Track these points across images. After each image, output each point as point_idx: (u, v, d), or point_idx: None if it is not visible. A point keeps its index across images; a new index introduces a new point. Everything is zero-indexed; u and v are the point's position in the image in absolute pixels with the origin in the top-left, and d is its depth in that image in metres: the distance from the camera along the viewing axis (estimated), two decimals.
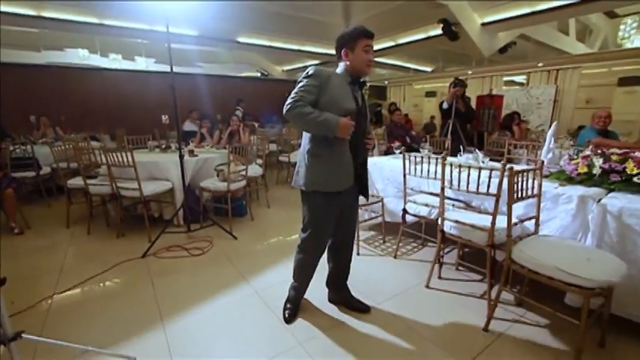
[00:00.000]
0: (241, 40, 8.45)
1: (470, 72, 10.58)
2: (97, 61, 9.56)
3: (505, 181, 1.68)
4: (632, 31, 9.83)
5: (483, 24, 7.52)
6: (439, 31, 7.27)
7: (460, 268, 2.50)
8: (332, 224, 1.79)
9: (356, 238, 2.78)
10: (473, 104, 8.40)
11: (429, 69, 12.60)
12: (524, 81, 10.01)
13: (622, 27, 9.98)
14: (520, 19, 7.02)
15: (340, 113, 1.55)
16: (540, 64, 8.99)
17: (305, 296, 2.03)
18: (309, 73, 1.60)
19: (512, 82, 10.42)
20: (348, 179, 1.67)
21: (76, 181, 3.43)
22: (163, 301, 2.09)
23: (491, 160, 2.59)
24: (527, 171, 1.73)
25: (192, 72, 9.76)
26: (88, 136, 5.34)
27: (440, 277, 2.36)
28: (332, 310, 2.00)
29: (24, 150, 4.19)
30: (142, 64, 10.40)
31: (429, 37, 8.39)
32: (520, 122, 4.81)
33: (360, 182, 1.81)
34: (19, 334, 1.28)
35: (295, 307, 1.95)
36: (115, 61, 9.78)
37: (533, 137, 6.33)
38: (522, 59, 9.35)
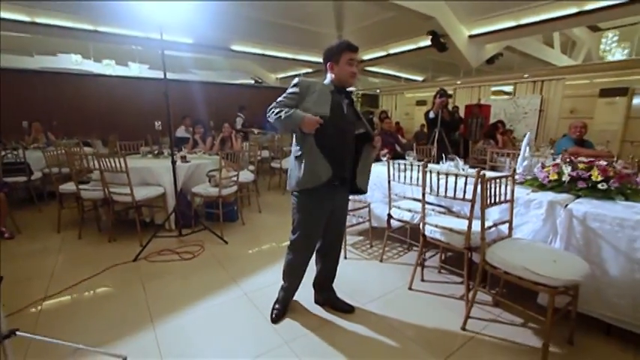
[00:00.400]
0: (236, 48, 8.57)
1: (459, 82, 10.87)
2: (90, 66, 9.57)
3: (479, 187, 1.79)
4: (613, 45, 10.21)
5: (471, 36, 7.77)
6: (429, 42, 7.50)
7: (442, 271, 2.60)
8: (321, 225, 1.87)
9: (344, 243, 2.89)
10: (462, 113, 8.65)
11: (419, 78, 12.88)
12: (512, 91, 10.31)
13: (603, 40, 10.38)
14: (506, 32, 7.27)
15: (325, 126, 1.67)
16: (526, 75, 9.30)
17: (294, 298, 2.10)
18: (292, 83, 1.76)
19: (502, 92, 10.72)
20: (327, 172, 1.71)
21: (68, 186, 3.47)
22: (154, 303, 2.15)
23: (474, 167, 2.72)
24: (500, 178, 1.85)
25: (187, 79, 9.84)
26: (80, 141, 5.35)
27: (423, 280, 2.46)
28: (319, 311, 2.08)
29: (15, 155, 4.21)
30: (135, 70, 10.44)
31: (419, 48, 8.63)
32: (504, 131, 4.99)
33: (349, 181, 1.87)
34: (14, 332, 1.33)
35: (283, 308, 2.02)
36: (108, 67, 9.80)
37: (518, 145, 6.54)
38: (509, 70, 9.65)
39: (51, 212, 4.07)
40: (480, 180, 1.75)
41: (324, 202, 1.80)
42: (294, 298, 2.12)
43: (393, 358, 1.69)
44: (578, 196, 1.97)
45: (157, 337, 1.81)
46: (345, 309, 2.05)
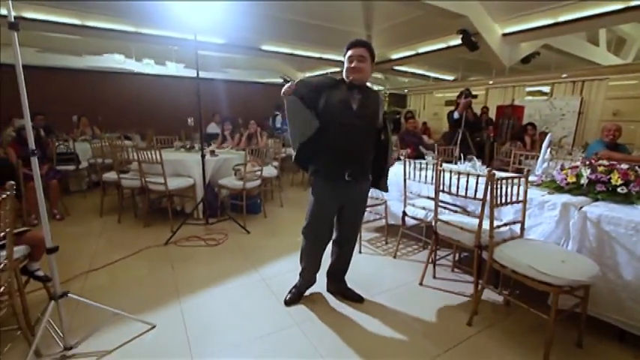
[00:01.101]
0: (265, 47, 8.84)
1: (491, 82, 10.49)
2: (131, 65, 10.26)
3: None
4: None
5: (504, 34, 7.51)
6: (459, 41, 7.34)
7: (455, 270, 2.62)
8: (328, 216, 1.96)
9: (359, 238, 2.98)
10: (492, 114, 8.36)
11: (450, 78, 12.56)
12: (550, 91, 9.81)
13: None
14: (543, 30, 6.95)
15: (331, 122, 1.79)
16: (564, 75, 8.83)
17: (314, 289, 2.23)
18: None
19: (540, 92, 10.21)
20: (339, 165, 1.80)
21: (110, 175, 3.82)
22: (181, 282, 2.36)
23: (500, 169, 2.71)
24: (511, 178, 1.86)
25: (217, 77, 10.27)
26: (121, 135, 5.81)
27: (435, 277, 2.50)
28: (331, 300, 2.19)
29: (66, 146, 4.67)
30: (172, 68, 11.05)
31: (449, 47, 8.45)
32: (534, 134, 4.82)
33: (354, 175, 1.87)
34: (66, 294, 1.56)
35: (298, 293, 2.15)
36: (148, 66, 10.45)
37: (554, 148, 6.25)
38: (546, 69, 9.19)
39: (94, 198, 4.48)
40: (489, 179, 1.78)
41: (333, 194, 1.88)
42: (314, 289, 2.23)
43: (395, 346, 1.77)
44: (597, 200, 1.93)
45: (183, 311, 2.01)
46: (354, 298, 2.15)
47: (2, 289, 1.32)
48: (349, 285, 2.23)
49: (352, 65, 1.78)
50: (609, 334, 1.83)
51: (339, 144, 1.79)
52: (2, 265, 1.32)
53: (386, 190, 2.06)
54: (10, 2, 1.29)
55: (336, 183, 1.85)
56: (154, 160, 3.28)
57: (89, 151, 5.03)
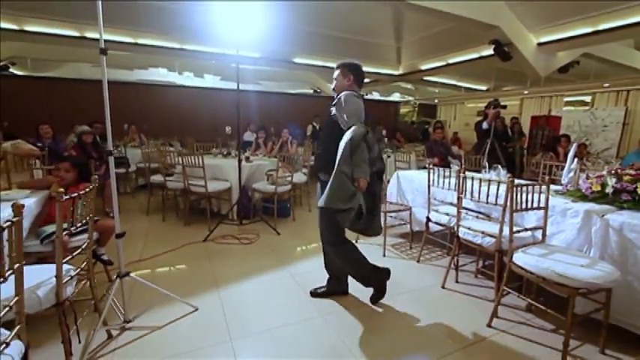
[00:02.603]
0: (297, 60, 9.25)
1: (526, 92, 10.21)
2: (173, 78, 11.10)
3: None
4: None
5: (540, 44, 7.35)
6: (491, 52, 7.28)
7: (479, 276, 2.67)
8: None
9: (383, 243, 3.10)
10: (526, 124, 8.13)
11: (482, 87, 12.33)
12: (590, 101, 9.37)
13: None
14: (582, 39, 6.73)
15: None
16: (606, 85, 8.43)
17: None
18: None
19: (582, 102, 9.76)
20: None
21: (157, 178, 4.22)
22: (218, 274, 2.61)
23: (530, 179, 2.73)
24: (530, 185, 1.93)
25: (252, 89, 10.83)
26: (166, 142, 6.34)
27: (457, 281, 2.57)
28: (357, 295, 2.33)
29: (119, 151, 5.19)
30: (210, 81, 11.81)
31: (481, 57, 8.37)
32: (566, 145, 4.69)
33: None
34: (128, 273, 1.84)
35: (326, 292, 2.32)
36: (188, 79, 11.26)
37: (592, 161, 5.99)
38: (586, 78, 8.82)
39: (140, 199, 4.94)
40: (508, 186, 1.87)
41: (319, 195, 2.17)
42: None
43: (414, 341, 1.88)
44: (622, 208, 1.95)
45: (221, 298, 2.24)
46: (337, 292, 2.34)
47: (84, 264, 1.61)
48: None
49: (332, 88, 2.23)
50: (634, 344, 1.82)
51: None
52: (86, 244, 1.62)
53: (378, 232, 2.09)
54: (102, 32, 1.61)
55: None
56: (196, 164, 3.61)
57: (137, 156, 5.57)
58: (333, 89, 2.20)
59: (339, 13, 6.80)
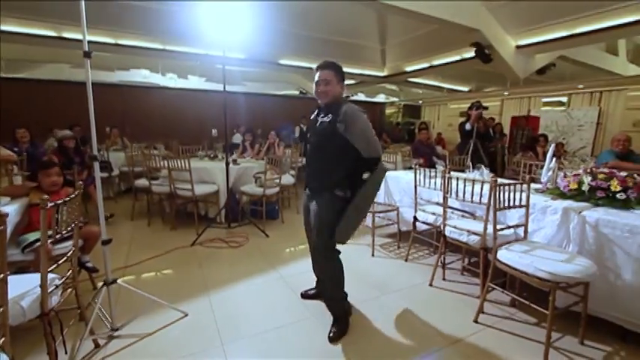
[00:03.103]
0: (283, 62, 9.24)
1: (506, 93, 10.53)
2: (156, 79, 10.88)
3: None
4: None
5: (518, 46, 7.60)
6: (473, 54, 7.48)
7: (464, 273, 2.74)
8: (307, 227, 2.12)
9: (371, 243, 3.14)
10: (507, 125, 8.38)
11: (464, 89, 12.63)
12: (567, 102, 9.75)
13: None
14: (559, 42, 7.00)
15: (307, 131, 2.08)
16: (581, 86, 8.79)
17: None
18: None
19: (559, 103, 10.13)
20: (306, 179, 2.04)
21: (142, 182, 4.14)
22: (208, 278, 2.59)
23: (511, 179, 2.83)
24: (513, 184, 2.01)
25: (238, 90, 10.75)
26: (150, 145, 6.22)
27: (444, 279, 2.63)
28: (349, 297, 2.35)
29: (101, 155, 5.06)
30: (194, 82, 11.65)
31: (463, 59, 8.58)
32: (545, 144, 4.88)
33: (311, 189, 1.99)
34: (115, 281, 1.80)
35: (315, 293, 2.31)
36: (171, 80, 11.07)
37: (568, 159, 6.25)
38: (562, 80, 9.17)
39: (124, 204, 4.83)
40: (492, 185, 1.94)
41: (305, 205, 2.08)
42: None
43: (404, 338, 1.92)
44: (597, 205, 2.05)
45: (211, 302, 2.22)
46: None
47: (70, 272, 1.57)
48: (361, 285, 2.39)
49: (318, 90, 1.88)
50: (612, 334, 1.92)
51: (307, 161, 2.04)
52: (71, 251, 1.58)
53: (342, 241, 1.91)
54: (85, 34, 1.58)
55: (305, 194, 2.06)
56: (183, 167, 3.56)
57: (120, 160, 5.44)
58: (322, 93, 1.86)
59: (324, 15, 6.84)
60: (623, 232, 1.74)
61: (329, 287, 2.04)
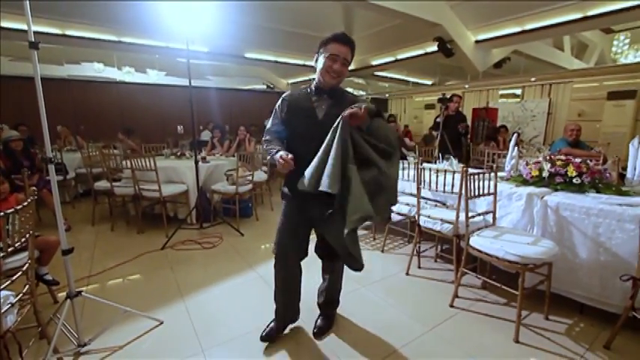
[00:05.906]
0: (249, 55, 9.00)
1: (467, 86, 11.02)
2: (111, 73, 10.16)
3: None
4: (625, 47, 10.20)
5: (477, 41, 7.97)
6: (436, 48, 7.74)
7: (438, 260, 2.85)
8: (295, 236, 1.68)
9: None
10: (469, 116, 8.82)
11: (428, 82, 13.07)
12: (521, 94, 10.40)
13: (615, 43, 10.35)
14: (512, 37, 7.44)
15: (293, 135, 1.57)
16: (533, 79, 9.41)
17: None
18: (277, 103, 1.63)
19: (513, 95, 10.78)
20: (301, 182, 1.42)
21: (102, 184, 3.86)
22: (182, 282, 2.48)
23: (476, 168, 2.97)
24: (482, 173, 2.10)
25: (203, 85, 10.34)
26: (109, 144, 5.81)
27: (419, 267, 2.72)
28: None
29: (54, 156, 4.64)
30: (153, 77, 11.02)
31: (427, 53, 8.86)
32: (505, 135, 5.18)
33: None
34: (80, 293, 1.67)
35: (276, 328, 1.86)
36: (128, 74, 10.38)
37: (525, 147, 6.71)
38: (516, 74, 9.78)
39: (83, 208, 4.49)
40: (463, 175, 2.01)
41: (300, 211, 1.62)
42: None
43: (385, 328, 1.96)
44: (556, 190, 2.20)
45: (187, 307, 2.13)
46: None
47: (26, 288, 1.42)
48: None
49: (335, 67, 1.48)
50: (572, 308, 2.09)
51: (301, 159, 1.45)
52: (26, 265, 1.42)
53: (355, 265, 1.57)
54: (30, 22, 1.41)
55: (303, 199, 1.54)
56: (148, 167, 3.36)
57: (75, 161, 5.03)
58: (336, 73, 1.49)
59: (290, 8, 6.72)
60: (580, 214, 1.89)
61: (339, 279, 1.94)
